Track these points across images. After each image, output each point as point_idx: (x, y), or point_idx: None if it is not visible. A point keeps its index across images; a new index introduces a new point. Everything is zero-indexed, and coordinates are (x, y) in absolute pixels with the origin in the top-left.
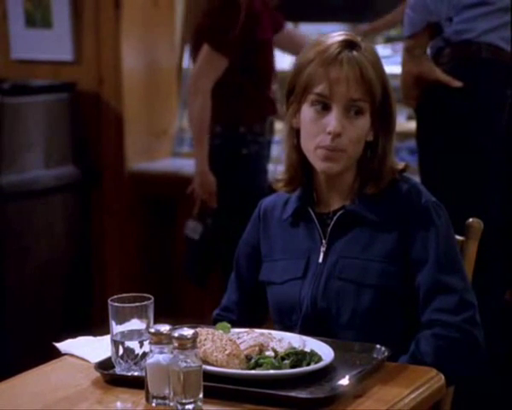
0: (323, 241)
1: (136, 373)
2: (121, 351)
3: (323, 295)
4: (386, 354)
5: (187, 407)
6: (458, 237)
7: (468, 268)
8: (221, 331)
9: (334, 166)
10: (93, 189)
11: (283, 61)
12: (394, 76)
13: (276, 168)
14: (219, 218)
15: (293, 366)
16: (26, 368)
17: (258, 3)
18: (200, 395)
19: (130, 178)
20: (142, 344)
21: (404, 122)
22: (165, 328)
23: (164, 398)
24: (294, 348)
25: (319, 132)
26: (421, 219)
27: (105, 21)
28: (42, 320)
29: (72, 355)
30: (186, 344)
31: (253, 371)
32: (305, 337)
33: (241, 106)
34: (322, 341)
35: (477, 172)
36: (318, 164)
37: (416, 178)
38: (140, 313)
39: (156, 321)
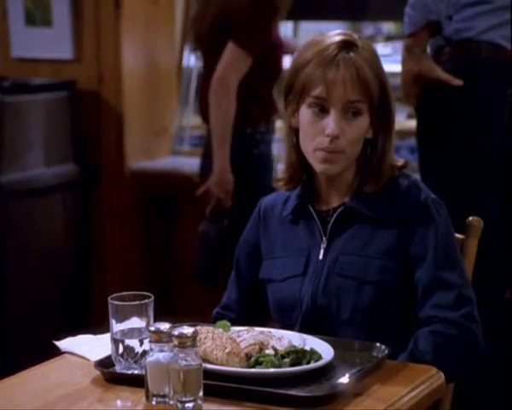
0: (324, 238)
1: (136, 372)
2: (121, 349)
3: (324, 292)
4: (386, 352)
5: (187, 405)
6: (458, 236)
7: (468, 267)
8: (221, 330)
9: (332, 167)
10: (93, 187)
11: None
12: (394, 74)
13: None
14: (234, 218)
15: (293, 365)
16: (26, 366)
17: None
18: (200, 394)
19: (130, 177)
20: (142, 343)
21: (404, 121)
22: (165, 326)
23: (164, 396)
24: (294, 347)
25: (317, 134)
26: (420, 215)
27: (105, 20)
28: (42, 318)
29: (72, 354)
30: (186, 342)
31: (253, 370)
32: (305, 336)
33: (248, 106)
34: (322, 339)
35: (477, 171)
36: (317, 166)
37: (416, 177)
38: (140, 312)
39: (156, 319)
